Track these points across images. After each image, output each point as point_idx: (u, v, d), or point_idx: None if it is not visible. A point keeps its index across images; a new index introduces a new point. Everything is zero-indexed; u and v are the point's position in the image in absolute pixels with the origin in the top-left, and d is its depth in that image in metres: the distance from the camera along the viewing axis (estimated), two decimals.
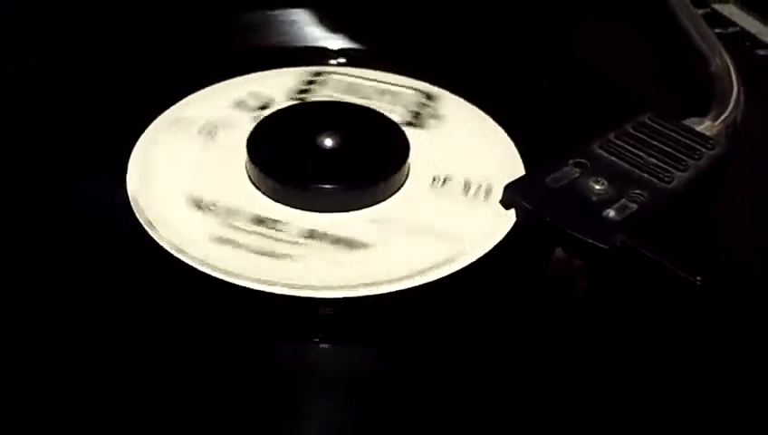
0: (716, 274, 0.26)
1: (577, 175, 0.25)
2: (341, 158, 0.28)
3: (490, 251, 0.26)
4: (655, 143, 0.27)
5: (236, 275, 0.25)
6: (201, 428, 0.22)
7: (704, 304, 0.25)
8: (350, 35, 0.37)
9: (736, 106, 0.29)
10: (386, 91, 0.33)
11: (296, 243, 0.26)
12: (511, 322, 0.25)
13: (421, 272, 0.25)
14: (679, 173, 0.26)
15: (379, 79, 0.33)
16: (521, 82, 0.35)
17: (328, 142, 0.29)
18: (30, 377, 0.22)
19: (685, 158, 0.26)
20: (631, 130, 0.27)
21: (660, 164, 0.26)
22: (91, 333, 0.24)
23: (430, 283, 0.25)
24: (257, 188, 0.28)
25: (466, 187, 0.28)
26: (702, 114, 0.29)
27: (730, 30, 0.39)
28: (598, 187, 0.25)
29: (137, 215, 0.27)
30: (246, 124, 0.30)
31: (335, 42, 0.36)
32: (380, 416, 0.22)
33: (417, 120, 0.31)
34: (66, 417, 0.21)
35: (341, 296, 0.24)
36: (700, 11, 0.38)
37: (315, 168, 0.28)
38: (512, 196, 0.25)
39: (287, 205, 0.27)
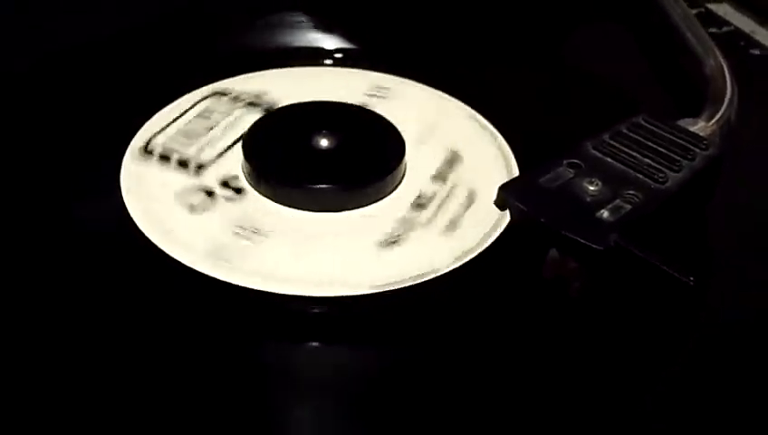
0: (709, 274, 0.26)
1: (571, 176, 0.25)
2: (329, 159, 0.29)
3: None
4: (649, 144, 0.27)
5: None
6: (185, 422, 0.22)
7: (696, 303, 0.25)
8: (345, 36, 0.37)
9: (730, 106, 0.29)
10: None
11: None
12: (505, 323, 0.25)
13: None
14: (673, 174, 0.26)
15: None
16: (516, 84, 0.35)
17: (322, 143, 0.29)
18: (22, 376, 0.22)
19: (679, 158, 0.26)
20: (625, 131, 0.27)
21: (654, 165, 0.26)
22: (64, 314, 0.24)
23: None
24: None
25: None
26: (696, 115, 0.29)
27: (724, 29, 0.39)
28: (592, 187, 0.25)
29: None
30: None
31: (330, 42, 0.37)
32: (361, 417, 0.22)
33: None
34: (57, 420, 0.21)
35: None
36: (694, 11, 0.38)
37: (303, 168, 0.28)
38: (506, 197, 0.25)
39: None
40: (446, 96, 0.33)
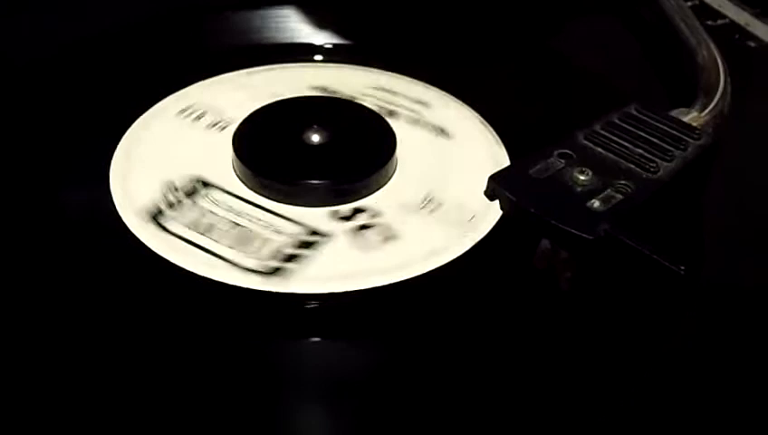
0: (700, 263, 0.26)
1: (562, 166, 0.25)
2: (320, 154, 0.29)
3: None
4: (641, 134, 0.26)
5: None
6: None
7: (689, 293, 0.25)
8: (336, 31, 0.36)
9: (723, 97, 0.29)
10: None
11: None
12: (497, 314, 0.25)
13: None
14: (665, 163, 0.25)
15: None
16: (507, 76, 0.35)
17: (314, 138, 0.29)
18: (13, 370, 0.22)
19: (671, 148, 0.26)
20: (617, 121, 0.27)
21: (646, 155, 0.26)
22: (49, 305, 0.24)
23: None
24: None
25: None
26: (689, 105, 0.29)
27: (719, 22, 0.39)
28: (582, 177, 0.25)
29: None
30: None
31: (320, 37, 0.36)
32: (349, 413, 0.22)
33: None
34: (44, 413, 0.21)
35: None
36: (689, 3, 0.38)
37: (295, 163, 0.28)
38: (496, 187, 0.24)
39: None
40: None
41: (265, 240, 0.26)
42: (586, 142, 0.26)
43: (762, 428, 0.22)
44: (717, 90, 0.29)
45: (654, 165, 0.25)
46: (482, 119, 0.31)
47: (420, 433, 0.22)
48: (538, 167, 0.25)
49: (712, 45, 0.32)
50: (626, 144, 0.26)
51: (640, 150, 0.26)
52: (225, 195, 0.28)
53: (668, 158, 0.26)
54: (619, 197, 0.24)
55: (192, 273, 0.25)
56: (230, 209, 0.27)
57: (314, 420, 0.23)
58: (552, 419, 0.22)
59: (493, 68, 0.35)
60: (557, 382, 0.23)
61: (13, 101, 0.32)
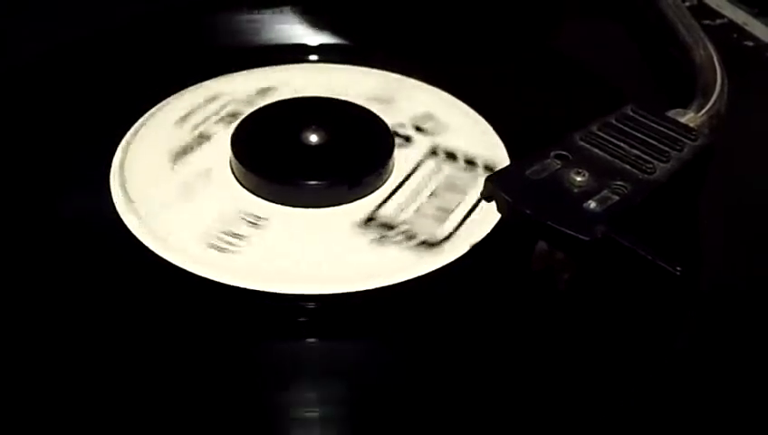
0: (698, 264, 0.26)
1: (558, 167, 0.25)
2: (319, 154, 0.29)
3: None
4: (637, 135, 0.26)
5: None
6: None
7: (687, 293, 0.25)
8: (330, 32, 0.37)
9: (720, 97, 0.29)
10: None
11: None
12: (494, 316, 0.25)
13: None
14: (662, 164, 0.25)
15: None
16: (506, 77, 0.35)
17: (312, 139, 0.29)
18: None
19: (667, 149, 0.26)
20: (613, 122, 0.27)
21: (642, 155, 0.26)
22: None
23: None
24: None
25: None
26: (686, 106, 0.29)
27: (717, 22, 0.39)
28: (579, 178, 0.24)
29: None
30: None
31: (313, 38, 0.36)
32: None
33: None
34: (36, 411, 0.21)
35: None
36: (687, 3, 0.38)
37: (292, 163, 0.28)
38: (492, 188, 0.24)
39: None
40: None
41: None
42: (582, 143, 0.26)
43: (762, 428, 0.22)
44: (714, 90, 0.29)
45: (650, 166, 0.25)
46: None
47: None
48: (534, 168, 0.25)
49: (709, 45, 0.32)
50: (622, 145, 0.26)
51: (636, 151, 0.26)
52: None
53: (665, 158, 0.26)
54: (616, 198, 0.24)
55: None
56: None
57: (310, 421, 0.23)
58: (550, 419, 0.22)
59: (492, 69, 0.35)
60: (555, 383, 0.23)
61: (12, 101, 0.32)
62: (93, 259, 0.26)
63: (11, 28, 0.35)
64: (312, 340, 0.25)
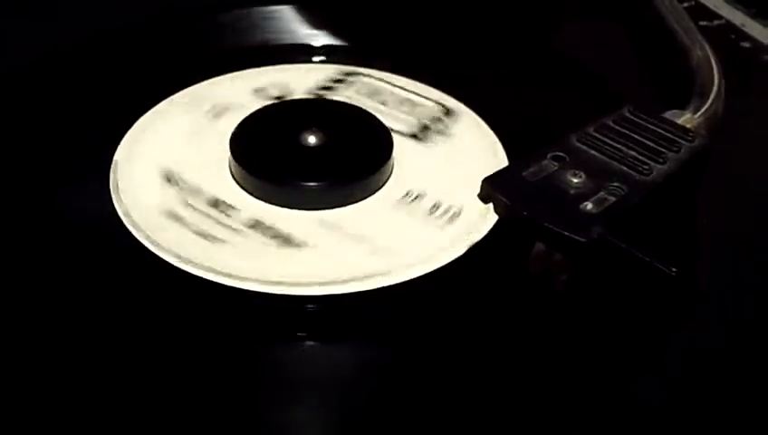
0: (696, 264, 0.26)
1: (555, 168, 0.25)
2: (318, 156, 0.29)
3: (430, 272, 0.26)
4: (634, 136, 0.26)
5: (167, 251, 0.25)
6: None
7: (684, 295, 0.25)
8: (335, 32, 0.37)
9: (717, 98, 0.29)
10: (406, 101, 0.33)
11: (238, 230, 0.26)
12: (491, 318, 0.25)
13: (345, 281, 0.25)
14: (658, 166, 0.25)
15: (405, 87, 0.33)
16: (505, 79, 0.35)
17: (311, 139, 0.29)
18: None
19: (664, 150, 0.26)
20: (610, 124, 0.27)
21: (639, 157, 0.26)
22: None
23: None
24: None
25: (435, 207, 0.28)
26: (683, 107, 0.29)
27: (715, 23, 0.39)
28: (576, 180, 0.25)
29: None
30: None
31: (318, 39, 0.37)
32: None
33: (423, 133, 0.31)
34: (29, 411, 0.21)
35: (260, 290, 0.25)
36: (685, 4, 0.38)
37: (292, 163, 0.28)
38: (489, 190, 0.24)
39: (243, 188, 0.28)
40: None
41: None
42: (579, 145, 0.26)
43: (762, 428, 0.22)
44: (711, 91, 0.29)
45: (647, 167, 0.25)
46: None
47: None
48: (531, 169, 0.25)
49: (706, 46, 0.32)
50: (619, 146, 0.26)
51: (633, 153, 0.26)
52: None
53: (661, 160, 0.26)
54: (612, 199, 0.24)
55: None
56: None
57: (309, 422, 0.23)
58: (547, 420, 0.22)
59: (491, 71, 0.35)
60: (553, 384, 0.23)
61: (12, 101, 0.32)
62: (93, 259, 0.26)
63: (11, 28, 0.35)
64: (311, 342, 0.25)
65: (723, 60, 0.31)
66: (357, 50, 0.36)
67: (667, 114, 0.28)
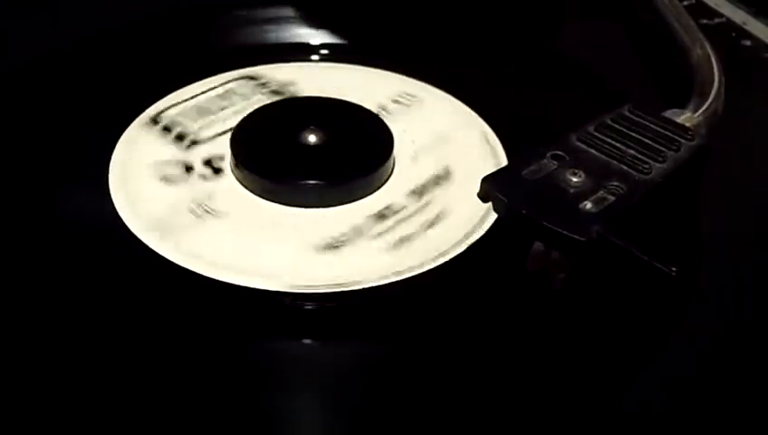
0: (696, 263, 0.26)
1: (554, 167, 0.25)
2: (315, 155, 0.29)
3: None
4: (634, 135, 0.26)
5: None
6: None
7: (684, 294, 0.25)
8: (332, 31, 0.37)
9: (717, 97, 0.29)
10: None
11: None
12: (489, 316, 0.25)
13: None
14: (658, 164, 0.25)
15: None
16: (506, 79, 0.35)
17: (310, 139, 0.29)
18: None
19: (663, 149, 0.26)
20: (610, 122, 0.27)
21: (639, 156, 0.26)
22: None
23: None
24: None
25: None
26: (683, 106, 0.29)
27: (716, 21, 0.39)
28: (575, 179, 0.25)
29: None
30: None
31: (316, 38, 0.36)
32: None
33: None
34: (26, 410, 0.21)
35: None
36: (685, 2, 0.38)
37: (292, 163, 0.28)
38: (488, 189, 0.24)
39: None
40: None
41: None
42: (578, 144, 0.26)
43: (762, 428, 0.22)
44: (711, 90, 0.29)
45: (646, 166, 0.25)
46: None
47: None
48: (531, 168, 0.25)
49: (707, 45, 0.32)
50: (618, 145, 0.26)
51: (633, 152, 0.26)
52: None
53: (661, 159, 0.26)
54: (612, 198, 0.24)
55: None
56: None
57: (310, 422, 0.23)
58: (545, 419, 0.22)
59: (491, 70, 0.35)
60: (551, 384, 0.23)
61: (12, 101, 0.32)
62: (93, 259, 0.26)
63: (11, 28, 0.35)
64: (308, 340, 0.25)
65: (723, 58, 0.31)
66: (357, 50, 0.36)
67: (667, 113, 0.28)
